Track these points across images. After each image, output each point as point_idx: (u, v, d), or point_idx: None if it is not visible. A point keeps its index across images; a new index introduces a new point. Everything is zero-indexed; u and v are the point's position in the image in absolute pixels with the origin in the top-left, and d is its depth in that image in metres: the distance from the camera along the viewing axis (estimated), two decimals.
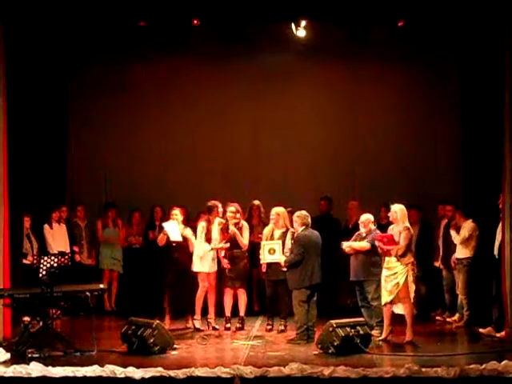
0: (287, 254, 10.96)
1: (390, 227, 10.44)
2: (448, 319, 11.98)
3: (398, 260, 10.13)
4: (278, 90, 13.85)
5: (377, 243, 10.35)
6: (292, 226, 11.38)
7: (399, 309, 10.33)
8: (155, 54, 13.77)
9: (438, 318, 12.16)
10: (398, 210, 10.35)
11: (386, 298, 10.20)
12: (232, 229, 11.26)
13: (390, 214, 10.44)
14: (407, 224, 10.32)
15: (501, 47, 10.55)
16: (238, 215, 11.32)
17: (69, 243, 12.81)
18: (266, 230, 11.27)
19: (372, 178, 13.68)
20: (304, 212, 10.62)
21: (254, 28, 12.87)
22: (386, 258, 10.24)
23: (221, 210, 11.42)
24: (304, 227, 10.47)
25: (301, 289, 10.32)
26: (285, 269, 10.88)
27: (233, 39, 12.99)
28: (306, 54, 13.49)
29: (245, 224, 11.45)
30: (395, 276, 10.12)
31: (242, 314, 11.38)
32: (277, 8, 11.50)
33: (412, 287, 10.19)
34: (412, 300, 10.21)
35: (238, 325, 11.28)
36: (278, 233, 11.17)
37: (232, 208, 11.34)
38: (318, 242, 10.51)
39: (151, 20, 12.33)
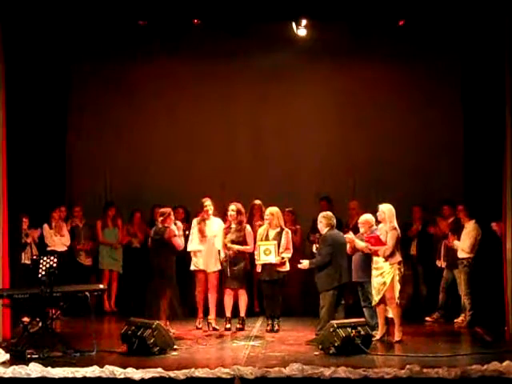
0: (283, 255, 10.97)
1: (379, 226, 10.42)
2: (438, 319, 12.06)
3: (386, 260, 10.12)
4: (279, 89, 13.82)
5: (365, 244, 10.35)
6: (286, 226, 11.41)
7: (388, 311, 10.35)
8: (155, 53, 13.74)
9: (428, 319, 12.13)
10: (385, 209, 10.33)
11: (374, 298, 10.20)
12: (231, 247, 11.16)
13: (378, 214, 10.43)
14: (394, 224, 10.30)
15: (502, 46, 10.53)
16: (234, 248, 11.16)
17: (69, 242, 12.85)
18: (261, 230, 11.27)
19: (373, 177, 13.64)
20: (329, 213, 10.69)
21: (255, 27, 12.81)
22: (374, 259, 10.24)
23: (208, 203, 11.31)
24: (329, 228, 10.48)
25: (330, 290, 10.31)
26: (281, 269, 10.97)
27: (233, 39, 12.94)
28: (307, 54, 13.43)
29: (248, 228, 11.38)
30: (382, 275, 10.12)
31: (242, 314, 11.35)
32: (278, 7, 11.46)
33: (397, 287, 10.15)
34: (397, 300, 10.17)
35: (238, 325, 11.25)
36: (272, 233, 11.17)
37: (233, 207, 11.30)
38: (344, 241, 10.49)
39: (151, 19, 12.29)
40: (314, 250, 10.80)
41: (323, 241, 10.48)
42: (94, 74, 13.94)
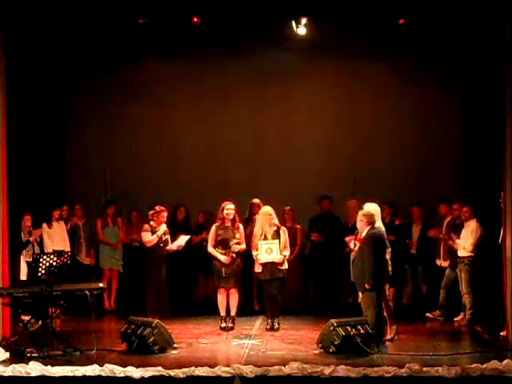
0: (284, 253, 10.95)
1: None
2: (438, 317, 12.05)
3: None
4: (278, 88, 13.83)
5: (352, 245, 10.30)
6: (287, 224, 11.38)
7: None
8: (154, 53, 13.75)
9: (428, 315, 12.13)
10: (371, 209, 10.20)
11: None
12: (234, 248, 11.11)
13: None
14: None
15: (502, 46, 10.53)
16: (236, 249, 11.11)
17: (69, 242, 12.82)
18: (258, 230, 11.19)
19: (372, 177, 13.64)
20: (370, 210, 10.19)
21: (254, 26, 12.83)
22: None
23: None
24: (370, 226, 9.98)
25: (375, 290, 9.85)
26: (282, 267, 11.01)
27: (233, 37, 12.96)
28: (307, 53, 13.45)
29: (241, 227, 11.34)
30: None
31: (233, 313, 11.28)
32: (277, 6, 11.47)
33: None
34: (385, 299, 10.14)
35: (229, 324, 11.20)
36: (270, 232, 11.14)
37: (231, 205, 11.21)
38: (386, 238, 10.12)
39: (150, 18, 12.30)
40: (352, 246, 10.31)
41: (366, 240, 9.94)
42: (94, 75, 13.96)
